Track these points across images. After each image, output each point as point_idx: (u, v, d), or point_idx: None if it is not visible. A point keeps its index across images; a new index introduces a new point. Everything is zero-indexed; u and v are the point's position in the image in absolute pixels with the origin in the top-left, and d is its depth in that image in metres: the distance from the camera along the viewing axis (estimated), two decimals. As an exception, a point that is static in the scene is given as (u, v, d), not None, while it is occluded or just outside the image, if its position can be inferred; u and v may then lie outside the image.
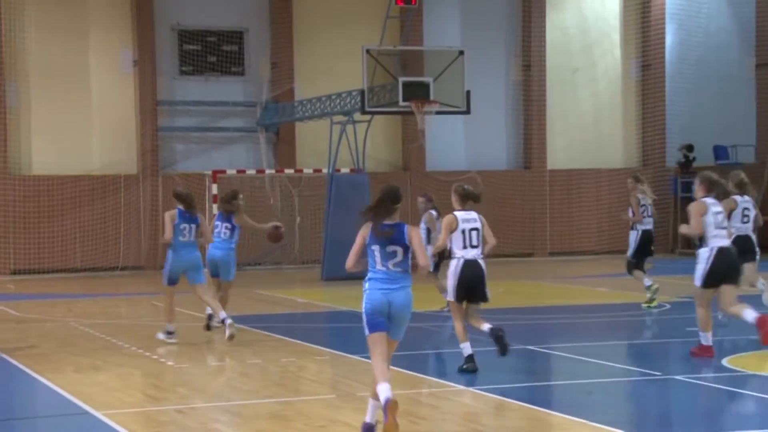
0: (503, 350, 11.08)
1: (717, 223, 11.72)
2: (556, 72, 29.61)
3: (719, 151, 29.64)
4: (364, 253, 8.31)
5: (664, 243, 28.61)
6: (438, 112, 22.84)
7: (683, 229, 12.06)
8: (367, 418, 8.34)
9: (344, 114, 23.92)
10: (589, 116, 30.20)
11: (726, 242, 11.78)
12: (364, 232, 8.29)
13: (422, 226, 15.71)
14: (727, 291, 11.76)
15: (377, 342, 8.18)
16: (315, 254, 25.86)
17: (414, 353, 13.19)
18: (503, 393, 10.11)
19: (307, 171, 26.83)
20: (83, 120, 26.42)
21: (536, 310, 17.58)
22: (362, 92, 22.57)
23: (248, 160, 27.59)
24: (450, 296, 11.32)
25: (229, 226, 14.77)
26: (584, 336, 14.37)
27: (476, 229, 11.24)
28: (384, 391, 7.94)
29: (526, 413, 9.36)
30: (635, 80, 30.41)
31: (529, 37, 29.23)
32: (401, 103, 22.43)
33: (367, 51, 22.79)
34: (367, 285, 8.25)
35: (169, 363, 12.29)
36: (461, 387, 10.46)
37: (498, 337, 11.05)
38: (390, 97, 22.80)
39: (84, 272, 25.85)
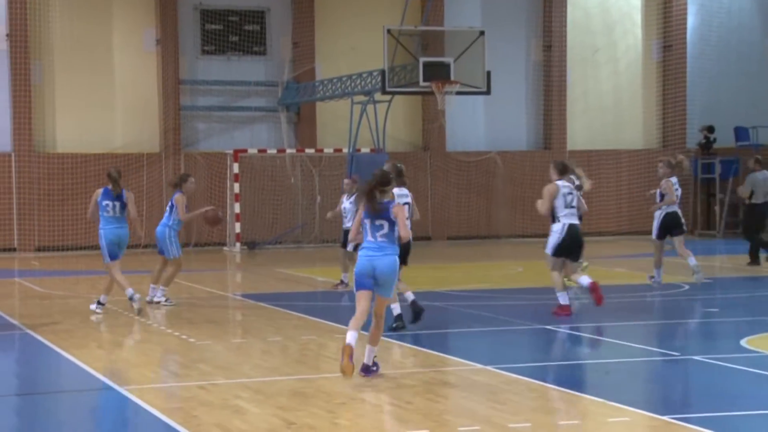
0: (416, 319, 12.97)
1: (567, 203, 13.66)
2: (576, 52, 29.56)
3: (740, 133, 29.55)
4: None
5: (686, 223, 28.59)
6: (458, 93, 22.87)
7: (538, 204, 14.02)
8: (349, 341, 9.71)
9: (365, 94, 23.98)
10: (609, 97, 30.15)
11: (574, 220, 13.76)
12: (360, 210, 10.03)
13: (349, 205, 16.61)
14: (569, 263, 13.98)
15: (360, 298, 9.98)
16: (335, 233, 25.97)
17: (433, 332, 13.30)
18: (522, 372, 10.20)
19: (328, 150, 26.92)
20: (107, 99, 26.59)
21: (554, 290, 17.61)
22: (383, 72, 22.61)
23: (269, 139, 27.70)
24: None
25: (170, 204, 15.50)
26: (603, 316, 14.43)
27: (408, 203, 12.84)
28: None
29: (545, 392, 9.44)
30: (656, 61, 30.32)
31: (550, 17, 29.17)
32: (422, 83, 22.46)
33: (388, 31, 22.82)
34: (360, 252, 10.03)
35: (191, 340, 12.43)
36: (480, 366, 10.56)
37: (417, 311, 13.00)
38: (411, 77, 22.84)
39: (107, 249, 26.05)
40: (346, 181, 17.21)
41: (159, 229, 15.39)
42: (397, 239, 9.94)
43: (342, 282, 17.23)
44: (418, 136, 28.86)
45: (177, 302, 15.67)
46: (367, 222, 9.91)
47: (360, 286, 9.95)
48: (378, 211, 9.83)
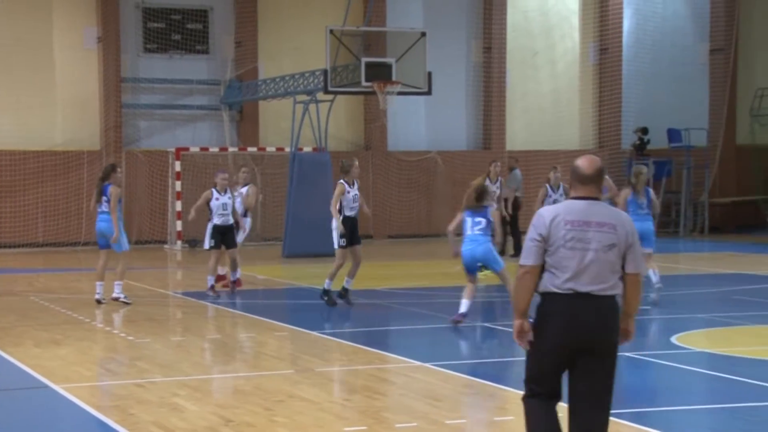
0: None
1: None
2: (516, 54, 29.84)
3: (673, 134, 30.05)
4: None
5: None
6: (400, 93, 22.97)
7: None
8: (462, 310, 12.85)
9: (307, 93, 24.02)
10: (547, 98, 30.47)
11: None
12: (463, 209, 12.99)
13: (228, 200, 16.17)
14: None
15: (468, 279, 12.97)
16: (277, 232, 26.01)
17: (373, 330, 13.42)
18: (460, 369, 10.34)
19: (270, 149, 26.92)
20: (47, 96, 26.35)
21: (492, 288, 17.81)
22: (325, 72, 22.67)
23: (211, 137, 27.63)
24: (340, 244, 14.74)
25: (107, 198, 15.00)
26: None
27: (357, 194, 14.93)
28: (463, 306, 12.83)
29: (481, 388, 9.58)
30: (593, 63, 30.71)
31: (490, 20, 29.42)
32: (364, 84, 22.53)
33: (331, 31, 22.88)
34: (462, 246, 12.93)
35: (130, 338, 12.40)
36: (418, 363, 10.67)
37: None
38: (353, 77, 22.92)
39: (45, 247, 25.84)
40: (221, 176, 16.27)
41: (105, 224, 14.96)
42: (491, 233, 12.92)
43: (212, 287, 16.10)
44: (360, 135, 28.96)
45: (134, 300, 15.44)
46: (469, 219, 12.92)
47: (469, 271, 12.95)
48: (479, 211, 12.86)
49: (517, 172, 22.92)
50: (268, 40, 27.84)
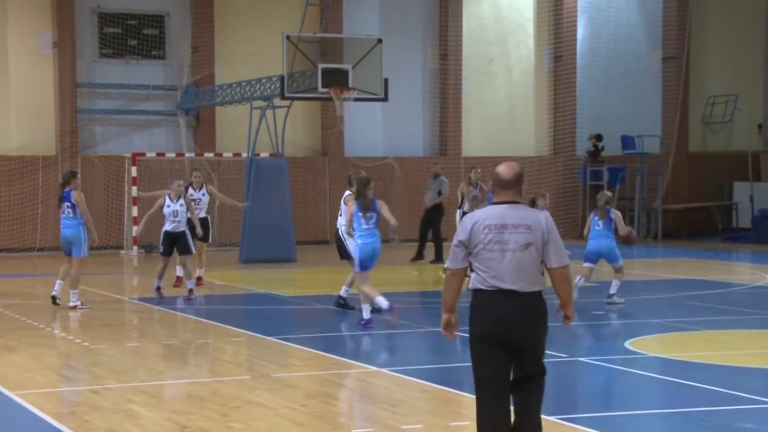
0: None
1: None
2: (472, 61, 30.00)
3: (626, 141, 30.34)
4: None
5: (573, 229, 29.26)
6: (356, 99, 23.02)
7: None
8: (366, 316, 13.18)
9: (264, 99, 24.01)
10: (503, 105, 30.65)
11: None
12: (351, 207, 13.21)
13: (179, 207, 16.05)
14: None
15: (366, 276, 13.18)
16: (234, 237, 25.96)
17: (329, 335, 13.45)
18: (416, 374, 10.39)
19: (227, 155, 26.87)
20: (1, 101, 26.09)
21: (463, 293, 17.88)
22: (282, 78, 22.68)
23: (168, 143, 27.52)
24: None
25: (69, 204, 15.04)
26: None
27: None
28: (382, 302, 12.94)
29: (437, 394, 9.65)
30: (547, 71, 30.94)
31: (446, 27, 29.57)
32: (320, 90, 22.56)
33: (287, 37, 22.90)
34: (359, 240, 13.06)
35: (85, 344, 12.34)
36: (374, 368, 10.72)
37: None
38: (309, 83, 22.94)
39: (0, 253, 25.61)
40: (177, 182, 16.23)
41: (70, 231, 15.01)
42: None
43: (159, 289, 16.23)
44: (317, 141, 28.97)
45: (90, 306, 15.40)
46: (361, 214, 13.04)
47: (365, 267, 13.07)
48: (369, 206, 13.08)
49: (443, 178, 23.48)
50: (225, 45, 27.79)
